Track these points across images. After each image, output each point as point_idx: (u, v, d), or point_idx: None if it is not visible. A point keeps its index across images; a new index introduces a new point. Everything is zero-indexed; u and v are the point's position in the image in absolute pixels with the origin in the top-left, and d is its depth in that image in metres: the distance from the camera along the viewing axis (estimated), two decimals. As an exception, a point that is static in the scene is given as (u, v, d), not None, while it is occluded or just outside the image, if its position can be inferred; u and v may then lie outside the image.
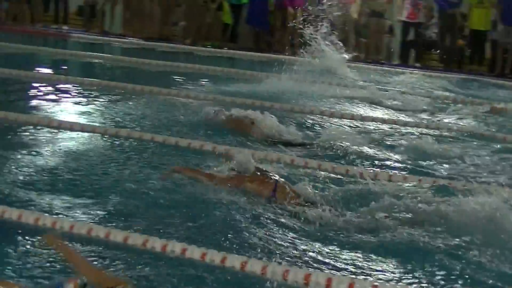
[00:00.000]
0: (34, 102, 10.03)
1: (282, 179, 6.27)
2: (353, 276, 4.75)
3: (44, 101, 10.06)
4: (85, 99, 10.22)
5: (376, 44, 18.93)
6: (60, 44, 18.08)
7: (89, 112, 9.39)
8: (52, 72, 12.82)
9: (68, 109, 9.61)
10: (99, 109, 9.58)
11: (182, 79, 12.70)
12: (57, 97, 10.40)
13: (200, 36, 19.28)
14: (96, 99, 10.23)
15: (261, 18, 19.19)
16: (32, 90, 10.90)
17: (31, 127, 8.16)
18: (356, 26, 18.83)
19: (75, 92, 10.81)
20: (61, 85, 11.31)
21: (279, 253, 5.02)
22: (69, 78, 12.03)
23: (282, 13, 18.73)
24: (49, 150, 7.24)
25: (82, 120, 8.87)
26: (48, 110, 9.45)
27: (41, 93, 10.71)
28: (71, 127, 8.32)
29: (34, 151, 7.11)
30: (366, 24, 18.89)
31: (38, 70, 13.15)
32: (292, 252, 5.09)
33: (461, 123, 10.42)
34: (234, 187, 6.18)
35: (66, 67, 13.91)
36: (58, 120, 8.68)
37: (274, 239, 5.28)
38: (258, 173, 6.32)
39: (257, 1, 19.11)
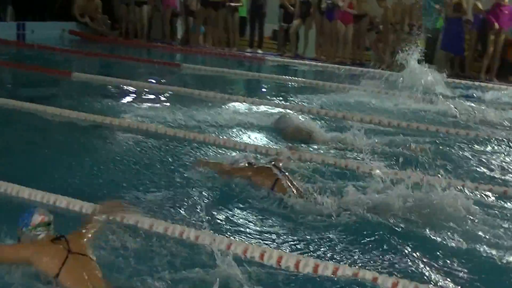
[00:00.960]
0: (224, 123, 10.14)
1: (287, 176, 6.90)
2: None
3: (237, 124, 10.17)
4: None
5: None
6: (255, 67, 18.46)
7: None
8: (246, 95, 13.00)
9: (261, 133, 9.67)
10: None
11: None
12: (250, 119, 10.49)
13: (393, 61, 18.97)
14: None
15: (455, 43, 18.60)
16: (224, 112, 11.04)
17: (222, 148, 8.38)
18: None
19: (268, 115, 10.90)
20: (254, 107, 11.46)
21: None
22: (263, 101, 12.18)
23: (483, 36, 18.04)
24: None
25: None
26: (242, 133, 9.58)
27: (234, 115, 10.83)
28: (267, 151, 8.36)
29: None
30: None
31: (232, 92, 13.40)
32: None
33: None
34: (242, 177, 7.00)
35: (260, 90, 14.10)
36: (253, 144, 8.75)
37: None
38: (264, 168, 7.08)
39: (452, 25, 18.53)
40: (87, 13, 22.40)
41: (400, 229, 5.97)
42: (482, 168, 8.29)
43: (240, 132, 9.59)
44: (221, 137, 9.12)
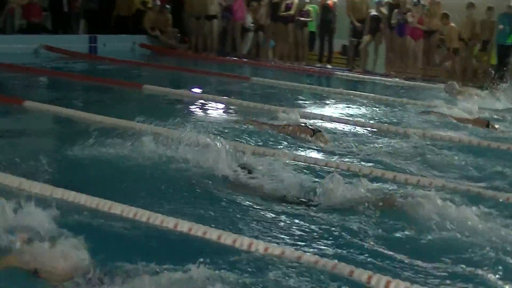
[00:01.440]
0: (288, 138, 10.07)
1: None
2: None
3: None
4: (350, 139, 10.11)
5: None
6: (324, 82, 18.42)
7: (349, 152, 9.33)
8: (314, 110, 12.99)
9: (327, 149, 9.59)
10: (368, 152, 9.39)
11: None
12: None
13: (465, 78, 18.71)
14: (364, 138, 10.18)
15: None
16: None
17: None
18: None
19: (339, 131, 10.83)
20: (320, 122, 11.37)
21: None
22: (332, 116, 12.11)
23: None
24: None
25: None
26: (305, 149, 9.51)
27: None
28: (337, 166, 8.29)
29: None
30: None
31: (300, 106, 13.34)
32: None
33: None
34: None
35: (329, 104, 14.04)
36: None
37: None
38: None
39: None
40: (158, 27, 22.73)
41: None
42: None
43: (304, 148, 9.50)
44: (286, 151, 9.03)
